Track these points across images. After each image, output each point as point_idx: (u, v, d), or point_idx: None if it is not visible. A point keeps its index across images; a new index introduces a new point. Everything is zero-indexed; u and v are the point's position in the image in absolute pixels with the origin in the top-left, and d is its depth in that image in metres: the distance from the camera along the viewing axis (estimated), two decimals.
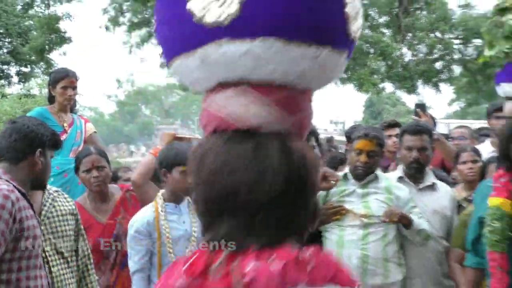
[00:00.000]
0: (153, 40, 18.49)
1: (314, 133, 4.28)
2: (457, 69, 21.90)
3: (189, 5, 1.21)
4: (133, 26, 18.11)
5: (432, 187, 4.32)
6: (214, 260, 1.21)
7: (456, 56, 21.25)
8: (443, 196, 4.31)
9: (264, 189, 1.21)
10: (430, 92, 26.56)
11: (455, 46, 20.98)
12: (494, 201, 3.28)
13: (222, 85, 1.29)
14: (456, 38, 21.03)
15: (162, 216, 3.64)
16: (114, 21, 18.18)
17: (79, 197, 4.31)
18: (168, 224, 3.63)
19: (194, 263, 1.23)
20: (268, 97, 1.26)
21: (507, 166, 3.35)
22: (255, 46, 1.20)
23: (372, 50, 20.70)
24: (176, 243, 3.62)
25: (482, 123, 10.23)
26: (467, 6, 21.49)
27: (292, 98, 1.29)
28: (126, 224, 3.82)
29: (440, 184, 4.40)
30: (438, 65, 21.58)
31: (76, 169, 4.24)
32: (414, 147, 4.18)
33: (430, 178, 4.36)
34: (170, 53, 1.34)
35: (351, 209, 3.94)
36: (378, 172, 4.14)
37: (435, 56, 21.09)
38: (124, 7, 17.97)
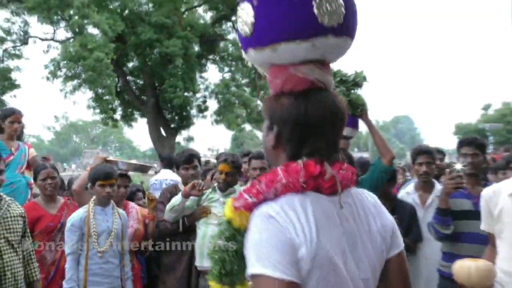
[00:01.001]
0: (82, 89, 17.95)
1: (197, 156, 4.26)
2: None
3: (314, 10, 1.28)
4: (67, 78, 17.41)
5: None
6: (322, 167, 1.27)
7: None
8: None
9: (339, 121, 1.35)
10: None
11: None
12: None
13: (306, 61, 1.35)
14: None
15: (91, 215, 3.62)
16: (53, 74, 17.40)
17: (36, 198, 4.24)
18: (95, 221, 3.61)
19: (307, 168, 1.26)
20: (328, 70, 1.40)
21: None
22: (338, 41, 1.34)
23: (237, 102, 21.05)
24: (100, 235, 3.60)
25: None
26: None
27: (329, 70, 1.42)
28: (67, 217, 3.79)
29: None
30: None
31: (34, 178, 4.13)
32: (257, 167, 4.19)
33: None
34: (281, 37, 1.30)
35: (215, 212, 3.89)
36: (237, 186, 4.05)
37: None
38: (61, 64, 17.27)
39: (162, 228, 4.06)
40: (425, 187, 4.08)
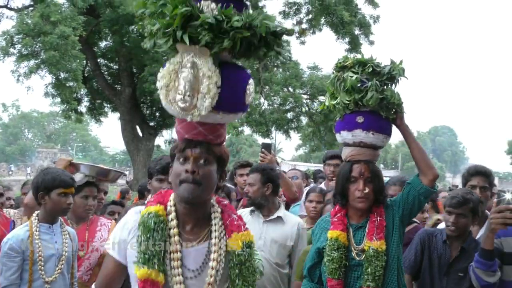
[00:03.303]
0: (40, 72, 17.86)
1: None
2: (304, 120, 22.73)
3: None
4: (22, 57, 17.34)
5: (279, 219, 4.37)
6: None
7: (304, 109, 22.07)
8: (288, 227, 4.35)
9: None
10: (281, 137, 27.38)
11: (303, 101, 21.77)
12: (333, 233, 3.35)
13: None
14: (305, 93, 21.87)
15: (36, 235, 3.55)
16: (4, 51, 17.35)
17: None
18: (41, 243, 3.54)
19: None
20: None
21: (342, 204, 3.45)
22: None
23: None
24: (47, 261, 3.53)
25: (320, 166, 10.70)
26: (315, 68, 22.43)
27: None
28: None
29: (289, 217, 4.48)
30: (289, 115, 22.37)
31: None
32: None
33: (279, 212, 4.41)
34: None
35: None
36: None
37: (287, 107, 21.79)
38: (15, 39, 17.22)
39: None
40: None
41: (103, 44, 21.32)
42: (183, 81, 2.14)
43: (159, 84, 2.21)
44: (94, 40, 20.40)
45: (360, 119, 3.41)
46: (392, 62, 3.53)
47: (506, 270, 3.40)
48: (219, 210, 2.36)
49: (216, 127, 2.27)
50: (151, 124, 21.52)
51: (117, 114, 21.19)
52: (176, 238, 2.22)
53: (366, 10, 21.27)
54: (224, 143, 2.37)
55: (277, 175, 4.56)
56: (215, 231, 2.28)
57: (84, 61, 19.31)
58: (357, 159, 3.42)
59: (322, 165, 6.81)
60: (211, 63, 2.15)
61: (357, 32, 21.10)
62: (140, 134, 21.01)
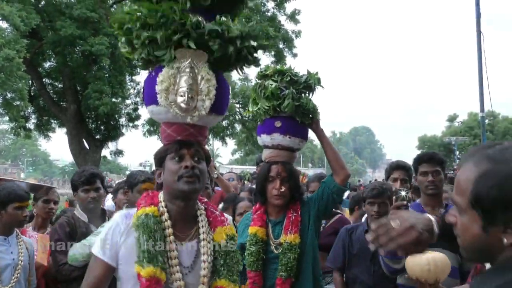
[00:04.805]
0: None
1: (100, 176, 4.03)
2: (237, 127, 22.87)
3: None
4: None
5: None
6: None
7: (237, 117, 22.21)
8: None
9: None
10: (218, 143, 27.45)
11: (236, 109, 21.89)
12: (252, 229, 3.38)
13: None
14: (238, 103, 21.97)
15: None
16: None
17: None
18: None
19: None
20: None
21: (261, 201, 3.48)
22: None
23: None
24: (3, 271, 3.45)
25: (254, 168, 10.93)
26: (245, 79, 22.59)
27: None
28: None
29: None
30: (224, 123, 22.42)
31: None
32: None
33: None
34: None
35: None
36: None
37: None
38: None
39: (64, 274, 3.64)
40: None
41: (47, 64, 20.71)
42: (185, 83, 2.22)
43: (158, 88, 2.24)
44: (38, 61, 19.80)
45: (278, 124, 3.43)
46: (309, 72, 3.54)
47: None
48: (203, 207, 2.39)
49: (203, 129, 2.39)
50: (97, 137, 21.03)
51: (64, 129, 20.65)
52: (172, 237, 2.22)
53: (288, 26, 21.66)
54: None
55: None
56: (202, 227, 2.31)
57: (30, 81, 18.76)
58: (275, 160, 3.43)
59: (255, 167, 6.99)
60: (208, 67, 2.25)
61: (281, 46, 21.42)
62: (87, 146, 20.53)
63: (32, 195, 4.37)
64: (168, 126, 2.34)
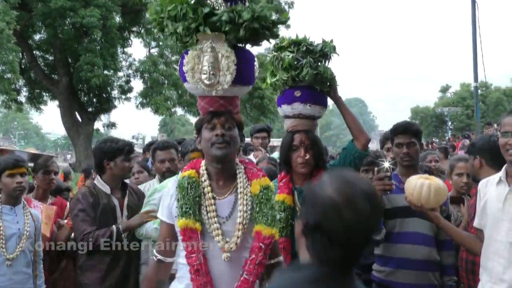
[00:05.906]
0: None
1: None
2: None
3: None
4: None
5: None
6: None
7: None
8: None
9: None
10: None
11: None
12: (279, 197, 3.37)
13: None
14: None
15: None
16: None
17: None
18: (2, 223, 3.53)
19: None
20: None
21: (287, 170, 3.49)
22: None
23: (166, 82, 20.86)
24: (8, 240, 3.50)
25: (248, 140, 10.92)
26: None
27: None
28: None
29: None
30: None
31: None
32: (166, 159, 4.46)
33: None
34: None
35: None
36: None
37: None
38: None
39: (91, 241, 3.59)
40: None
41: (37, 37, 20.53)
42: (207, 62, 2.55)
43: (185, 68, 2.60)
44: (28, 33, 19.62)
45: (297, 93, 3.44)
46: (324, 41, 3.55)
47: (389, 223, 3.53)
48: (243, 167, 2.68)
49: (233, 99, 2.70)
50: (89, 110, 20.99)
51: (56, 102, 20.57)
52: (210, 194, 2.56)
53: None
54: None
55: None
56: (240, 182, 2.62)
57: (20, 54, 18.59)
58: (297, 129, 3.44)
59: (250, 139, 6.94)
60: (227, 46, 2.57)
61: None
62: (80, 119, 20.49)
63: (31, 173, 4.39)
64: (202, 99, 2.68)
